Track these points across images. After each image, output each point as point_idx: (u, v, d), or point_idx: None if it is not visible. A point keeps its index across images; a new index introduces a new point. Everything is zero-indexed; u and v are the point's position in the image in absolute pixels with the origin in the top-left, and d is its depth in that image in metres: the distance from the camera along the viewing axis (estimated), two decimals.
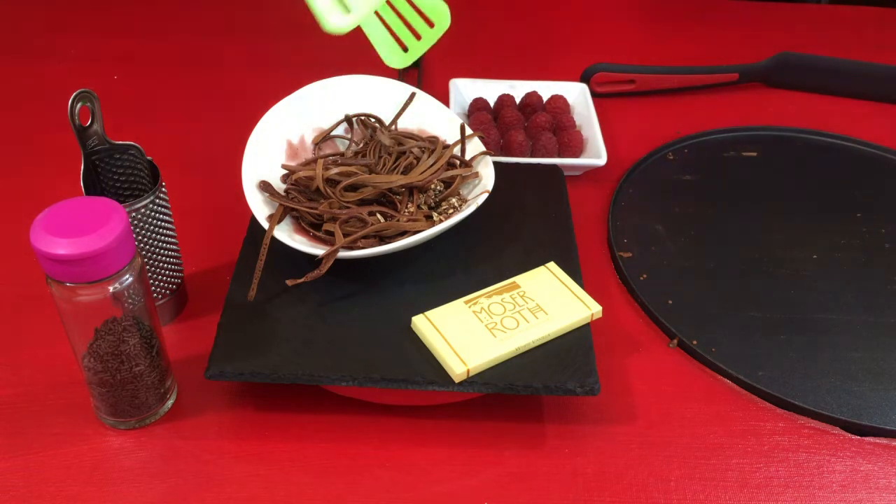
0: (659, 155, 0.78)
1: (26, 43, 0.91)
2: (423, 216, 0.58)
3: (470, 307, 0.54)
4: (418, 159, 0.61)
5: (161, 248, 0.55)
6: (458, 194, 0.60)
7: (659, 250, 0.67)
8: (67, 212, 0.44)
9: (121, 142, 0.54)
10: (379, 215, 0.57)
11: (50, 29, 0.94)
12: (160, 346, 0.51)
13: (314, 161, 0.61)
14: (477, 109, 0.78)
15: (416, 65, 0.87)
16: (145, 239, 0.54)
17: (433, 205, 0.59)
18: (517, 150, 0.73)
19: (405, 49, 0.71)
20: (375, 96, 0.66)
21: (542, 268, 0.58)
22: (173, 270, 0.57)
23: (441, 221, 0.57)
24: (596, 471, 0.51)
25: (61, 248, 0.42)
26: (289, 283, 0.54)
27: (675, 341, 0.59)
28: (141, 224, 0.53)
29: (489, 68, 0.88)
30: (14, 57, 0.89)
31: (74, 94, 0.50)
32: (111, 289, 0.45)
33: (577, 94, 0.81)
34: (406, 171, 0.60)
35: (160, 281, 0.56)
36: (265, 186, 0.58)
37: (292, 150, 0.63)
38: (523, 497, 0.49)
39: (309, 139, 0.64)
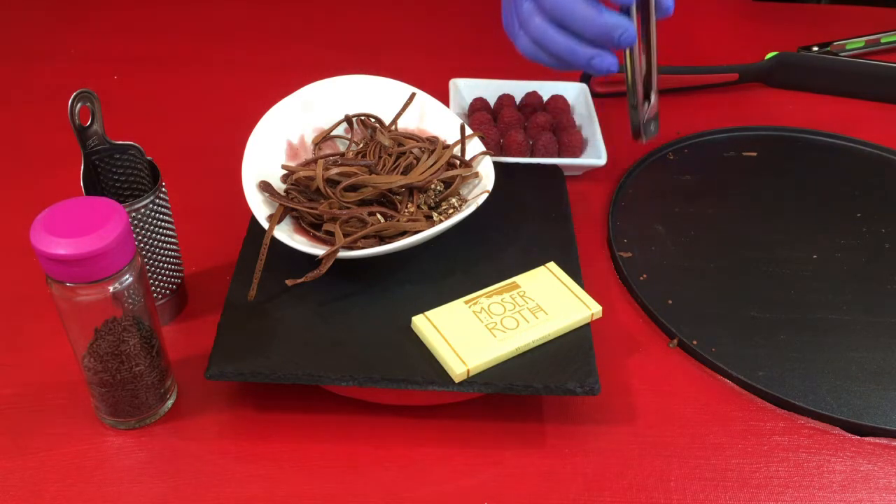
0: (659, 155, 0.77)
1: (26, 43, 0.91)
2: (423, 216, 0.58)
3: (470, 307, 0.54)
4: (418, 159, 0.61)
5: (161, 248, 0.55)
6: (458, 194, 0.60)
7: (659, 250, 0.67)
8: (67, 212, 0.44)
9: (121, 142, 0.54)
10: (379, 215, 0.57)
11: (50, 29, 0.94)
12: (160, 346, 0.51)
13: (314, 161, 0.61)
14: (477, 109, 0.78)
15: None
16: (145, 239, 0.54)
17: (433, 205, 0.59)
18: (517, 150, 0.73)
19: None
20: (375, 96, 0.66)
21: (541, 268, 0.58)
22: (173, 270, 0.57)
23: (441, 221, 0.57)
24: (596, 471, 0.51)
25: (61, 248, 0.42)
26: (289, 283, 0.54)
27: (675, 341, 0.59)
28: (141, 224, 0.53)
29: (489, 68, 0.88)
30: (14, 57, 0.89)
31: (74, 94, 0.50)
32: (111, 289, 0.45)
33: (577, 94, 0.81)
34: (406, 172, 0.60)
35: (160, 281, 0.56)
36: (265, 186, 0.58)
37: (292, 150, 0.63)
38: (523, 497, 0.49)
39: (309, 139, 0.64)
